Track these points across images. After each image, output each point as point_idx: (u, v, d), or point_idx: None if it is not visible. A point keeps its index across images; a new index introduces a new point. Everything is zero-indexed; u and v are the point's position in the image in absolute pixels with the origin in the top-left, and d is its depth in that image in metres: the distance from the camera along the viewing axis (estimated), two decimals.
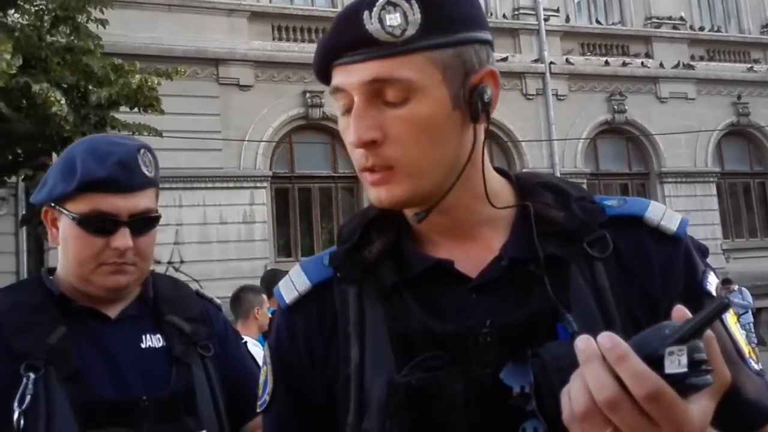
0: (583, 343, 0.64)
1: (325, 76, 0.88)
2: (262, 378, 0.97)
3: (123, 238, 1.31)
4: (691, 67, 16.53)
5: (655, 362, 0.61)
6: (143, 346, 1.36)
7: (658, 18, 16.65)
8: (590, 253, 0.84)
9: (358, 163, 0.86)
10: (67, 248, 1.35)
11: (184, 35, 12.49)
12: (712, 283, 0.87)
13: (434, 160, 0.83)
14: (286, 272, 0.99)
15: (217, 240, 12.44)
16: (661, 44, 16.57)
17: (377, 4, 0.80)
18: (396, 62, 0.81)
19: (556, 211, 0.87)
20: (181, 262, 11.96)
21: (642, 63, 16.24)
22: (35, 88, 7.32)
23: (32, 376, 1.22)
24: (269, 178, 13.09)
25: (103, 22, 8.49)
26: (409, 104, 0.82)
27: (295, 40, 13.75)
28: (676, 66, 16.43)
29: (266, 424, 0.96)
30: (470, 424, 0.72)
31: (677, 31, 16.75)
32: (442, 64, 0.83)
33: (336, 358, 0.88)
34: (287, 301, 0.94)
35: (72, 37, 8.43)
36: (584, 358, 0.63)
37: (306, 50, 13.59)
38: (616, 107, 15.78)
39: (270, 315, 4.50)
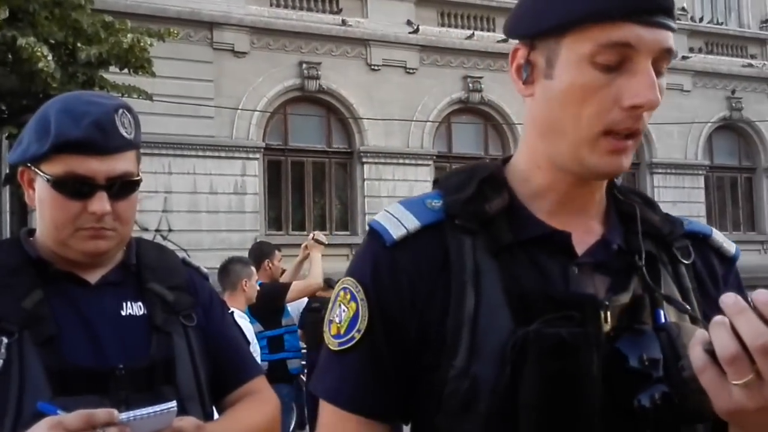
0: (731, 299, 0.70)
1: (594, 22, 0.84)
2: (345, 314, 0.93)
3: (100, 203, 1.27)
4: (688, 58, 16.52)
5: None
6: (123, 313, 1.33)
7: None
8: (677, 257, 0.95)
9: (616, 123, 0.85)
10: (43, 211, 1.31)
11: None
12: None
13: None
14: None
15: (207, 210, 12.34)
16: None
17: None
18: (673, 37, 0.88)
19: (653, 214, 0.97)
20: (169, 230, 11.86)
21: None
22: (21, 42, 7.16)
23: (5, 340, 1.20)
24: (262, 150, 12.96)
25: None
26: (663, 81, 0.88)
27: (294, 8, 13.53)
28: (675, 57, 16.37)
29: (348, 362, 0.92)
30: (599, 385, 0.78)
31: (678, 22, 16.61)
32: None
33: (441, 301, 0.89)
34: (395, 237, 0.92)
35: None
36: (736, 311, 0.69)
37: (304, 19, 13.40)
38: None
39: (258, 287, 4.48)
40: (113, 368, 1.25)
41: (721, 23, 17.43)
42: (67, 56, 8.09)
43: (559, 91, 0.87)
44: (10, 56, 7.57)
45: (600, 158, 0.87)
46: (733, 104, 16.93)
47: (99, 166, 1.26)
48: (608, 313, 0.86)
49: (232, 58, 12.79)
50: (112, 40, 7.98)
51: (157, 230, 11.63)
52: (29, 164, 1.31)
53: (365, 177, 13.54)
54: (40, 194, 1.30)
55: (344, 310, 0.93)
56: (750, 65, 17.22)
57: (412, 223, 0.92)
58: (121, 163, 1.29)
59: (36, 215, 1.35)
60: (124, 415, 1.09)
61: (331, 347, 0.94)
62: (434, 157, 14.08)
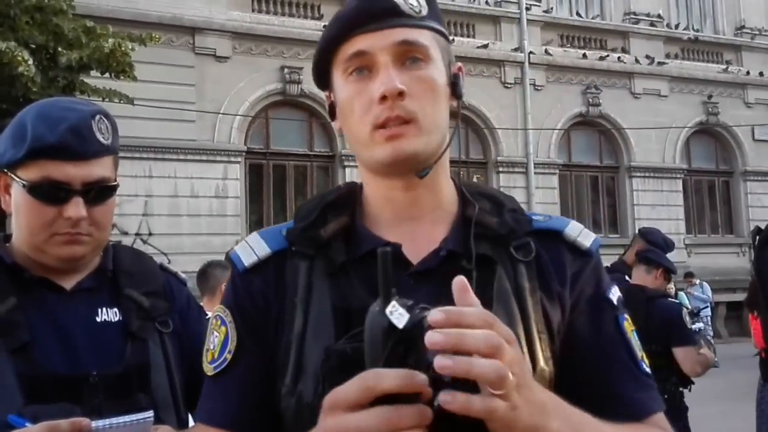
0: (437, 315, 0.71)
1: (334, 47, 0.97)
2: (216, 339, 0.98)
3: (76, 208, 1.26)
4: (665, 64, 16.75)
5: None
6: (98, 320, 1.31)
7: (636, 14, 16.80)
8: (515, 256, 0.96)
9: (377, 118, 0.93)
10: (19, 216, 1.30)
11: (160, 1, 12.23)
12: (615, 294, 1.00)
13: (438, 121, 0.96)
14: None
15: (188, 213, 12.31)
16: (638, 40, 16.74)
17: None
18: (417, 32, 0.96)
19: (491, 217, 0.99)
20: (150, 234, 11.81)
21: (618, 58, 16.39)
22: (1, 46, 7.14)
23: None
24: (243, 153, 12.96)
25: None
26: (426, 69, 0.95)
27: (275, 14, 13.57)
28: (651, 63, 16.62)
29: (222, 384, 0.97)
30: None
31: (654, 28, 16.93)
32: (440, 46, 0.99)
33: (279, 323, 0.95)
34: (246, 264, 0.99)
35: None
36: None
37: (286, 24, 13.43)
38: (591, 100, 15.94)
39: None
40: (87, 375, 1.23)
41: (697, 30, 17.71)
42: (48, 60, 8.06)
43: (339, 109, 0.99)
44: None
45: (380, 148, 0.94)
46: (710, 109, 17.17)
47: (75, 172, 1.26)
48: (424, 323, 0.84)
49: (214, 62, 12.80)
50: (94, 45, 7.97)
51: (137, 234, 11.58)
52: (5, 170, 1.30)
53: (347, 180, 13.54)
54: (16, 200, 1.29)
55: (216, 336, 0.99)
56: (726, 71, 17.50)
57: (263, 250, 0.99)
58: (98, 169, 1.29)
59: (12, 221, 1.34)
60: (97, 423, 1.06)
61: (209, 374, 0.99)
62: None
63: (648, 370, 0.98)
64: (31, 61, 7.38)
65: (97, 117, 1.30)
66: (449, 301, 0.84)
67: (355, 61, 0.95)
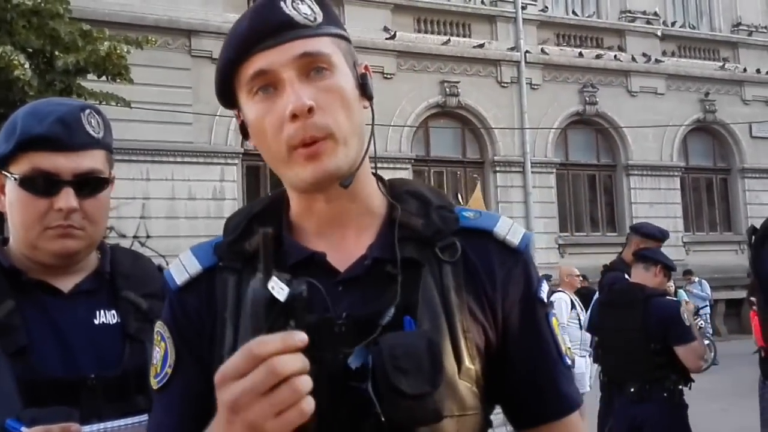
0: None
1: (234, 68, 0.95)
2: (158, 355, 1.00)
3: (66, 198, 1.26)
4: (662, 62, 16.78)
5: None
6: (96, 322, 1.31)
7: (632, 12, 16.82)
8: (440, 257, 0.96)
9: (291, 139, 0.91)
10: (12, 213, 1.30)
11: (157, 4, 12.24)
12: (545, 291, 1.01)
13: (353, 129, 0.95)
14: None
15: (185, 216, 12.31)
16: (634, 38, 16.77)
17: None
18: (316, 41, 0.93)
19: (417, 218, 0.98)
20: (147, 236, 11.82)
21: (615, 56, 16.42)
22: None
23: None
24: (240, 155, 12.96)
25: None
26: (332, 77, 0.94)
27: None
28: (648, 60, 16.65)
29: (166, 398, 0.98)
30: (318, 405, 0.75)
31: (650, 26, 16.96)
32: (341, 50, 0.97)
33: (212, 339, 0.96)
34: (178, 283, 1.00)
35: (39, 0, 8.20)
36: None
37: None
38: (587, 99, 15.95)
39: None
40: (85, 378, 1.23)
41: (693, 27, 17.75)
42: (45, 64, 8.06)
43: (251, 130, 0.97)
44: None
45: (301, 168, 0.92)
46: (707, 106, 17.21)
47: (65, 163, 1.26)
48: (344, 330, 0.89)
49: (211, 64, 12.77)
50: (90, 48, 7.96)
51: (134, 237, 11.59)
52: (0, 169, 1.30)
53: None
54: (10, 196, 1.30)
55: (158, 351, 1.00)
56: (723, 68, 17.54)
57: (194, 267, 1.00)
58: (88, 161, 1.29)
59: (8, 221, 1.34)
60: (91, 427, 1.06)
61: (153, 388, 1.00)
62: (412, 161, 14.17)
63: (569, 363, 1.02)
64: (27, 65, 7.38)
65: (87, 111, 1.31)
66: (377, 306, 0.89)
67: (258, 81, 0.93)
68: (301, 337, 0.71)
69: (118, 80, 8.48)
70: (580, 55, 16.06)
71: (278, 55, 0.92)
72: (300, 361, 0.71)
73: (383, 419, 0.84)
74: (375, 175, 1.05)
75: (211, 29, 12.70)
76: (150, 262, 1.49)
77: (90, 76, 8.48)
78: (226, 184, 12.71)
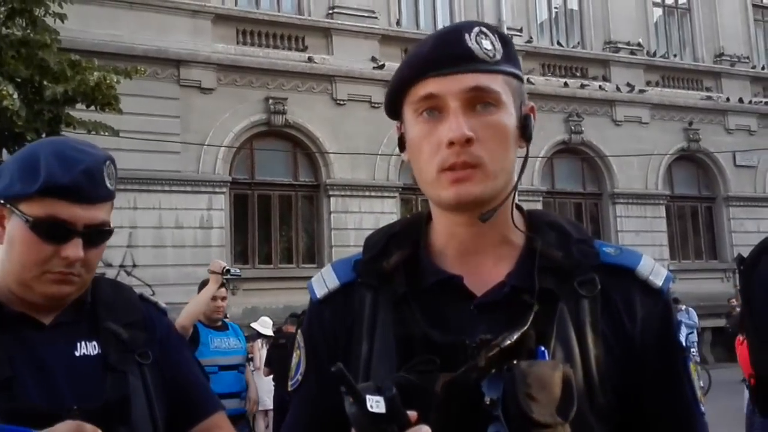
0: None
1: (407, 87, 1.00)
2: (294, 360, 1.09)
3: (75, 248, 1.27)
4: (646, 91, 17.04)
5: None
6: (77, 354, 1.31)
7: (616, 43, 17.11)
8: (579, 291, 0.97)
9: (444, 161, 0.96)
10: (12, 250, 1.29)
11: (145, 34, 12.31)
12: (681, 334, 1.05)
13: (505, 165, 0.98)
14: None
15: (173, 245, 12.24)
16: (618, 68, 17.03)
17: (474, 29, 0.98)
18: (490, 77, 0.97)
19: (557, 250, 1.00)
20: (134, 266, 11.72)
21: (600, 86, 16.65)
22: None
23: None
24: (228, 184, 12.95)
25: (62, 17, 8.32)
26: (496, 114, 0.97)
27: (260, 45, 13.68)
28: (632, 90, 16.89)
29: (295, 402, 1.09)
30: (445, 424, 0.81)
31: (634, 57, 17.24)
32: (512, 89, 1.00)
33: (347, 352, 1.01)
34: (318, 296, 1.07)
35: (28, 31, 8.24)
36: None
37: (270, 56, 13.54)
38: (573, 128, 16.14)
39: None
40: (67, 410, 1.23)
41: (676, 56, 18.05)
42: (33, 94, 8.04)
43: (409, 146, 1.03)
44: None
45: (445, 191, 0.97)
46: (691, 135, 17.43)
47: (81, 213, 1.27)
48: (479, 354, 0.91)
49: (199, 94, 12.85)
50: (79, 78, 7.97)
51: (121, 266, 11.49)
52: (4, 201, 1.29)
53: (332, 210, 13.60)
54: (12, 233, 1.28)
55: (295, 357, 1.10)
56: (708, 98, 17.81)
57: (333, 282, 1.07)
58: (100, 213, 1.31)
59: (0, 253, 1.33)
60: None
61: (289, 389, 1.09)
62: (400, 189, 14.21)
63: (704, 410, 1.02)
64: (16, 95, 7.37)
65: (107, 162, 1.33)
66: (512, 333, 0.91)
67: (426, 103, 0.97)
68: (425, 430, 0.77)
69: (108, 110, 8.48)
70: (566, 85, 16.29)
71: (450, 83, 0.96)
72: None
73: None
74: (516, 206, 1.08)
75: (199, 59, 12.79)
76: (131, 292, 1.49)
77: (79, 106, 8.48)
78: (213, 212, 12.67)
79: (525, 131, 1.02)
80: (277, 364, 7.37)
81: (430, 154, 0.97)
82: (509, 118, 0.98)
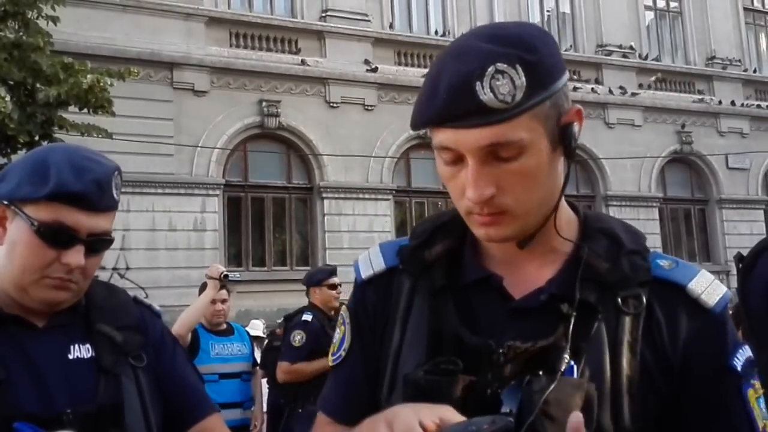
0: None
1: (425, 127, 0.93)
2: (338, 336, 1.09)
3: (77, 255, 1.27)
4: (638, 94, 17.10)
5: None
6: (70, 357, 1.31)
7: (608, 46, 17.18)
8: (620, 307, 0.90)
9: (469, 210, 0.92)
10: (13, 252, 1.29)
11: (139, 37, 12.29)
12: (741, 358, 0.92)
13: (540, 201, 0.92)
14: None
15: (166, 247, 12.20)
16: (611, 71, 17.09)
17: (487, 73, 0.84)
18: (508, 126, 0.86)
19: (604, 261, 0.93)
20: (127, 268, 11.67)
21: (592, 89, 16.71)
22: None
23: None
24: (222, 186, 12.93)
25: (55, 20, 8.30)
26: (520, 159, 0.88)
27: (253, 48, 13.68)
28: (625, 93, 16.96)
29: (336, 377, 1.08)
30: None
31: (627, 60, 17.31)
32: (543, 117, 0.89)
33: (382, 337, 1.01)
34: (363, 276, 1.07)
35: (21, 33, 8.22)
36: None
37: (263, 59, 13.54)
38: None
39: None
40: (60, 413, 1.23)
41: (669, 59, 18.13)
42: (26, 97, 8.03)
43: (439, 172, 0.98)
44: None
45: (476, 229, 0.93)
46: (684, 138, 17.50)
47: (86, 221, 1.28)
48: (503, 360, 0.88)
49: (193, 97, 12.83)
50: (72, 81, 7.95)
51: (114, 268, 11.43)
52: (9, 203, 1.29)
53: (325, 212, 13.59)
54: (14, 235, 1.28)
55: (338, 332, 1.09)
56: (701, 100, 17.89)
57: (379, 264, 1.06)
58: (104, 222, 1.32)
59: None
60: None
61: (330, 364, 1.09)
62: (394, 192, 14.22)
63: None
64: (8, 98, 7.35)
65: (116, 173, 1.35)
66: (542, 343, 0.87)
67: (445, 153, 0.91)
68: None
69: (101, 112, 8.46)
70: None
71: (466, 137, 0.87)
72: None
73: None
74: (572, 205, 1.02)
75: (193, 62, 12.77)
76: (125, 294, 1.48)
77: (72, 108, 8.46)
78: (207, 215, 12.64)
79: (567, 149, 0.92)
80: (272, 366, 7.34)
81: (456, 195, 0.93)
82: (536, 156, 0.88)
